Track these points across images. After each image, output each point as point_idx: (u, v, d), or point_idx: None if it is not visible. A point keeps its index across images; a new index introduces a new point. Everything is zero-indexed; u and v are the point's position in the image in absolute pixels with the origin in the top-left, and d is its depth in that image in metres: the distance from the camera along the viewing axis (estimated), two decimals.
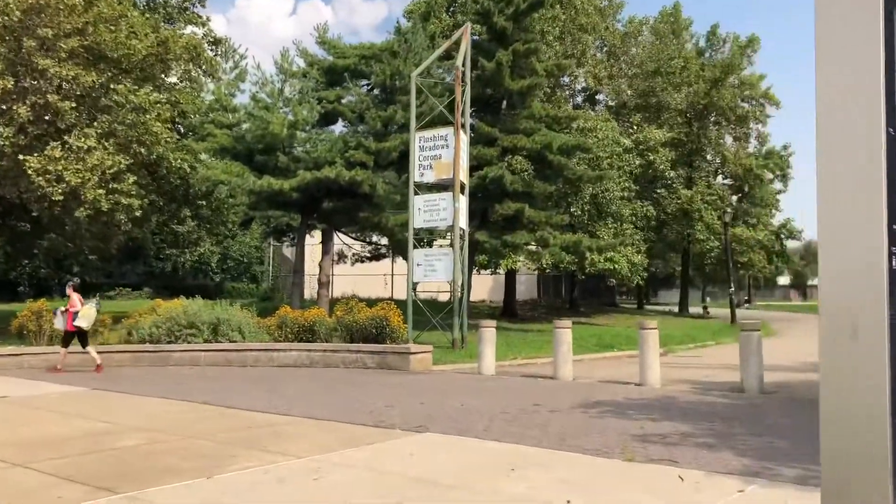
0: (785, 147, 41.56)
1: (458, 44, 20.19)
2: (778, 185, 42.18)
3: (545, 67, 26.90)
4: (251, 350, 16.02)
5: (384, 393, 11.49)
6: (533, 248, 25.77)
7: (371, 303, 18.26)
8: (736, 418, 8.87)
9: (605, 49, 39.40)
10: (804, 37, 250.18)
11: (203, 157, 23.06)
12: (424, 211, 19.15)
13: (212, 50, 25.94)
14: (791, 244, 44.30)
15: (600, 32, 36.79)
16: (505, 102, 26.95)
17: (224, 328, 16.28)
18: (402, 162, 21.71)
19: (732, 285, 30.44)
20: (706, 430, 7.99)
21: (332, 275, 29.77)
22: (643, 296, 54.51)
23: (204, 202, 25.06)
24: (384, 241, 28.48)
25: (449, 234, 20.62)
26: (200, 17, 27.15)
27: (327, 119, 24.50)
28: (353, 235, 28.59)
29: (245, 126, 22.63)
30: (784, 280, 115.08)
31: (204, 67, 23.66)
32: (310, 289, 32.57)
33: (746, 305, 65.89)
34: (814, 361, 17.56)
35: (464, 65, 19.55)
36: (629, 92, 38.90)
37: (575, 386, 12.59)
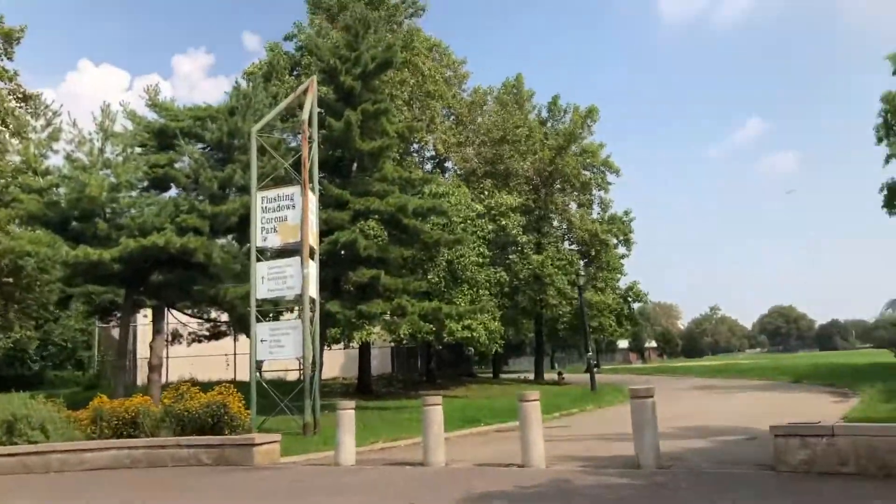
0: (626, 212, 42.81)
1: (303, 98, 18.64)
2: (622, 250, 43.19)
3: (396, 129, 25.88)
4: (55, 452, 13.16)
5: (221, 499, 9.32)
6: (389, 317, 24.12)
7: (209, 387, 15.83)
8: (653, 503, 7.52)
9: (453, 117, 39.25)
10: (639, 108, 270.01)
11: (8, 226, 19.97)
12: (269, 279, 17.13)
13: (20, 107, 22.98)
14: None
15: (447, 100, 36.58)
16: (356, 164, 25.56)
17: (22, 426, 13.36)
18: (242, 227, 19.66)
19: (591, 350, 30.09)
20: None
21: (167, 357, 26.77)
22: (499, 364, 54.09)
23: (11, 279, 21.70)
24: (224, 316, 25.87)
25: (297, 305, 18.60)
26: (7, 70, 24.08)
27: (158, 185, 22.10)
28: (189, 312, 25.80)
29: (59, 190, 19.83)
30: (623, 343, 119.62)
31: (9, 125, 20.73)
32: (143, 374, 29.15)
33: (596, 370, 66.90)
34: (688, 425, 16.95)
35: (310, 118, 17.97)
36: (477, 159, 38.75)
37: (451, 474, 10.88)
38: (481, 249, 31.25)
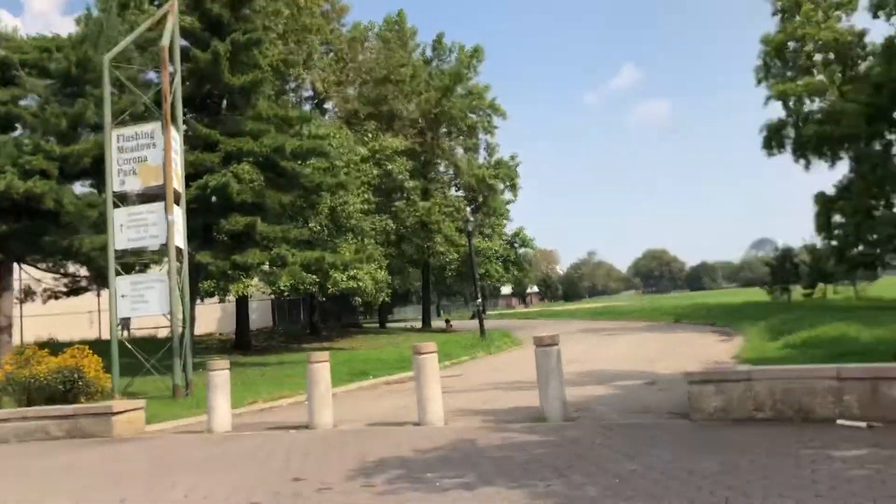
0: (512, 157, 42.20)
1: (163, 23, 16.52)
2: (508, 195, 42.72)
3: (270, 62, 23.92)
4: None
5: (68, 482, 7.85)
6: (268, 268, 22.50)
7: (70, 348, 13.91)
8: (568, 466, 6.63)
9: (332, 54, 37.20)
10: (525, 48, 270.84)
11: None
12: (129, 227, 15.24)
13: None
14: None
15: (326, 35, 34.48)
16: (226, 101, 23.45)
17: None
18: (97, 170, 17.50)
19: (479, 297, 29.48)
20: (548, 495, 5.63)
21: (20, 316, 24.25)
22: (385, 314, 53.11)
23: None
24: (84, 270, 23.49)
25: (163, 256, 16.77)
26: None
27: (1, 126, 19.44)
28: (43, 266, 23.26)
29: None
30: (507, 289, 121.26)
31: None
32: None
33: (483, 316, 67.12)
34: (584, 370, 16.50)
35: (172, 46, 15.94)
36: (359, 100, 37.04)
37: (340, 437, 9.74)
38: (366, 196, 29.90)
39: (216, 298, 29.15)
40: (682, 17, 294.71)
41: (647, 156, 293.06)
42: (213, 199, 20.86)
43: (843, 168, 49.43)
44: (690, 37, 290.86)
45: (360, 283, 27.71)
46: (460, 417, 10.54)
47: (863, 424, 7.36)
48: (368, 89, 36.52)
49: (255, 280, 24.22)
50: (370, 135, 31.98)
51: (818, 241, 46.69)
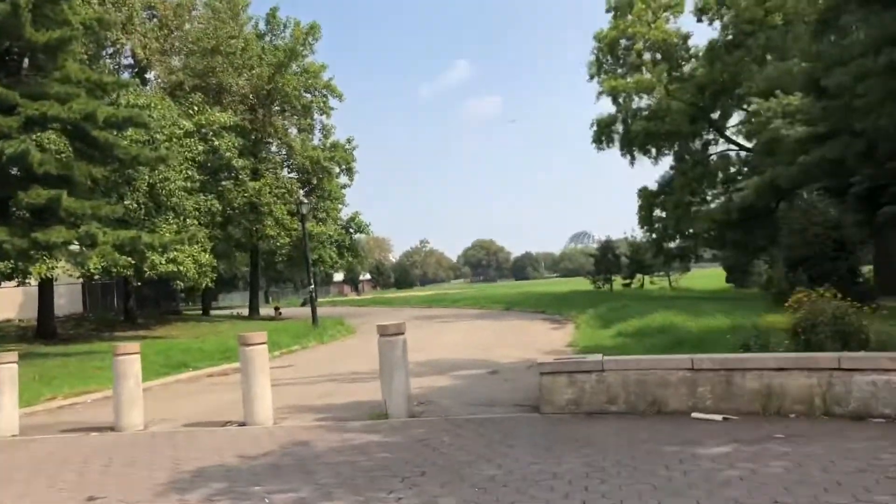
0: (349, 140, 40.86)
1: None
2: (344, 179, 41.50)
3: (83, 21, 21.38)
4: None
5: None
6: (76, 248, 20.17)
7: None
8: (420, 473, 5.87)
9: (156, 19, 34.35)
10: (357, 30, 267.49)
11: None
12: None
13: None
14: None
15: None
16: (27, 60, 20.75)
17: None
18: None
19: (312, 283, 28.20)
20: None
21: None
22: (209, 300, 50.33)
23: None
24: None
25: None
26: None
27: None
28: None
29: None
30: (338, 276, 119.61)
31: None
32: None
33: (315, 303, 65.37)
34: (422, 360, 15.89)
35: None
36: (184, 71, 34.50)
37: (151, 442, 8.44)
38: (190, 173, 27.75)
39: (14, 281, 26.02)
40: (514, 16, 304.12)
41: (478, 149, 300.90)
42: (11, 168, 18.37)
43: (664, 165, 52.46)
44: (521, 36, 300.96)
45: (181, 267, 25.63)
46: (293, 415, 9.54)
47: (718, 417, 7.15)
48: (195, 60, 34.02)
49: (62, 261, 21.71)
50: (196, 108, 29.70)
51: (639, 234, 49.43)
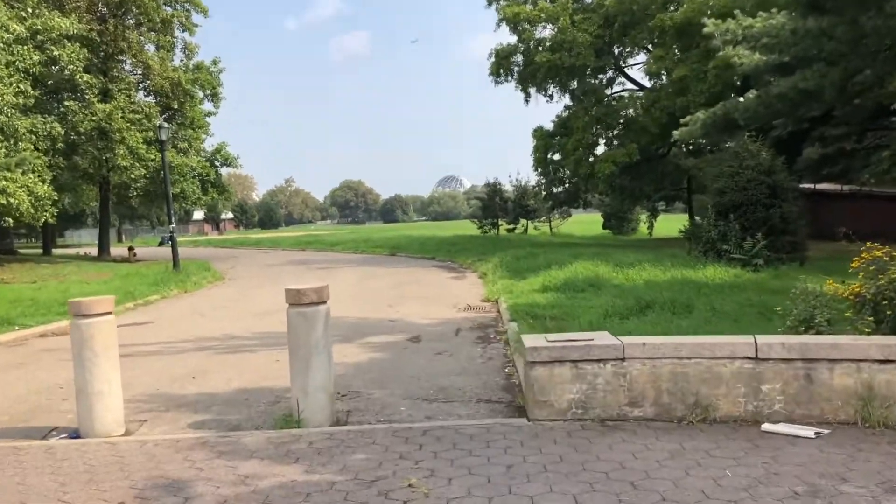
0: (215, 62, 36.32)
1: None
2: (208, 106, 37.07)
3: None
4: None
5: None
6: None
7: None
8: None
9: None
10: None
11: None
12: None
13: None
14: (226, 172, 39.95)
15: None
16: None
17: None
18: None
19: (173, 221, 24.38)
20: None
21: None
22: (51, 238, 44.82)
23: None
24: None
25: None
26: None
27: None
28: None
29: None
30: (199, 214, 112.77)
31: None
32: None
33: (169, 243, 60.29)
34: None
35: None
36: None
37: None
38: (22, 87, 23.15)
39: None
40: None
41: (347, 88, 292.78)
42: None
43: (556, 107, 50.97)
44: None
45: (13, 199, 21.44)
46: (155, 416, 6.62)
47: (810, 432, 4.91)
48: None
49: None
50: (30, 10, 24.73)
51: (525, 177, 47.84)
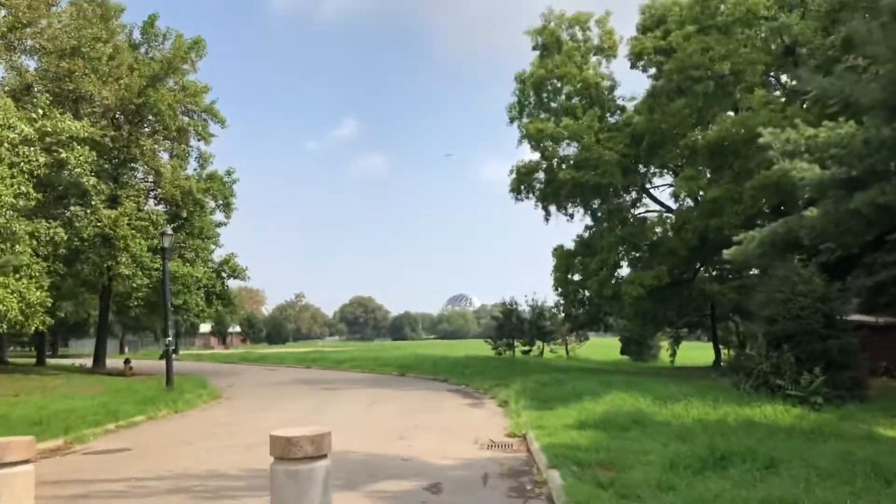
0: (229, 172, 35.75)
1: None
2: (219, 216, 36.20)
3: None
4: None
5: None
6: None
7: None
8: None
9: (4, 12, 28.62)
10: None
11: None
12: None
13: None
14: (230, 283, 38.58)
15: None
16: None
17: None
18: None
19: (170, 333, 22.81)
20: None
21: None
22: (51, 347, 43.27)
23: None
24: None
25: None
26: None
27: None
28: None
29: None
30: (205, 327, 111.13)
31: None
32: None
33: (174, 357, 58.34)
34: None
35: None
36: (36, 73, 28.86)
37: None
38: (24, 189, 22.17)
39: None
40: (405, 78, 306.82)
41: (361, 206, 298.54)
42: None
43: (576, 226, 50.19)
44: (407, 96, 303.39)
45: (2, 306, 20.07)
46: None
47: None
48: (50, 61, 28.44)
49: None
50: (41, 110, 24.12)
51: (542, 298, 46.39)
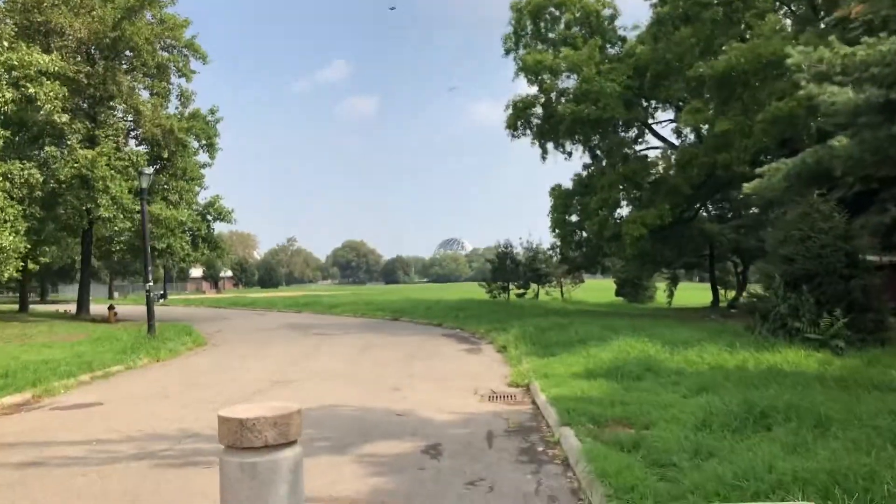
0: (212, 110, 34.11)
1: None
2: (203, 157, 34.76)
3: None
4: None
5: None
6: None
7: None
8: None
9: None
10: (226, 28, 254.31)
11: None
12: None
13: None
14: (220, 227, 37.29)
15: None
16: None
17: None
18: None
19: (150, 278, 21.68)
20: None
21: None
22: (40, 293, 42.16)
23: None
24: None
25: None
26: None
27: None
28: None
29: None
30: (197, 272, 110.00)
31: None
32: None
33: (161, 301, 57.63)
34: (300, 406, 10.25)
35: None
36: (4, 7, 27.10)
37: None
38: None
39: None
40: (396, 20, 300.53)
41: (353, 150, 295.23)
42: None
43: (574, 166, 48.85)
44: (401, 38, 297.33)
45: None
46: None
47: None
48: None
49: None
50: (6, 43, 22.51)
51: (537, 240, 45.39)
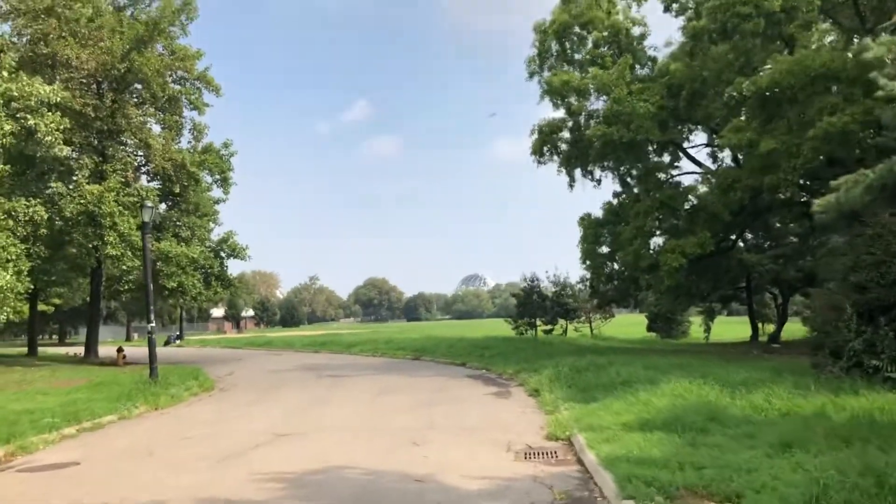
0: (226, 144, 33.05)
1: None
2: (218, 192, 33.62)
3: None
4: None
5: None
6: None
7: None
8: None
9: None
10: (248, 73, 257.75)
11: None
12: None
13: None
14: (234, 265, 36.07)
15: None
16: None
17: None
18: None
19: (152, 318, 20.21)
20: None
21: None
22: (59, 335, 41.04)
23: None
24: None
25: None
26: None
27: None
28: None
29: None
30: (219, 312, 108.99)
31: None
32: None
33: (178, 343, 56.32)
34: (299, 471, 8.61)
35: None
36: (9, 33, 26.31)
37: None
38: None
39: None
40: (416, 59, 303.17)
41: (374, 188, 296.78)
42: None
43: (603, 195, 47.18)
44: (419, 77, 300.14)
45: None
46: None
47: None
48: (22, 21, 25.83)
49: None
50: (7, 72, 21.48)
51: (564, 273, 43.58)
